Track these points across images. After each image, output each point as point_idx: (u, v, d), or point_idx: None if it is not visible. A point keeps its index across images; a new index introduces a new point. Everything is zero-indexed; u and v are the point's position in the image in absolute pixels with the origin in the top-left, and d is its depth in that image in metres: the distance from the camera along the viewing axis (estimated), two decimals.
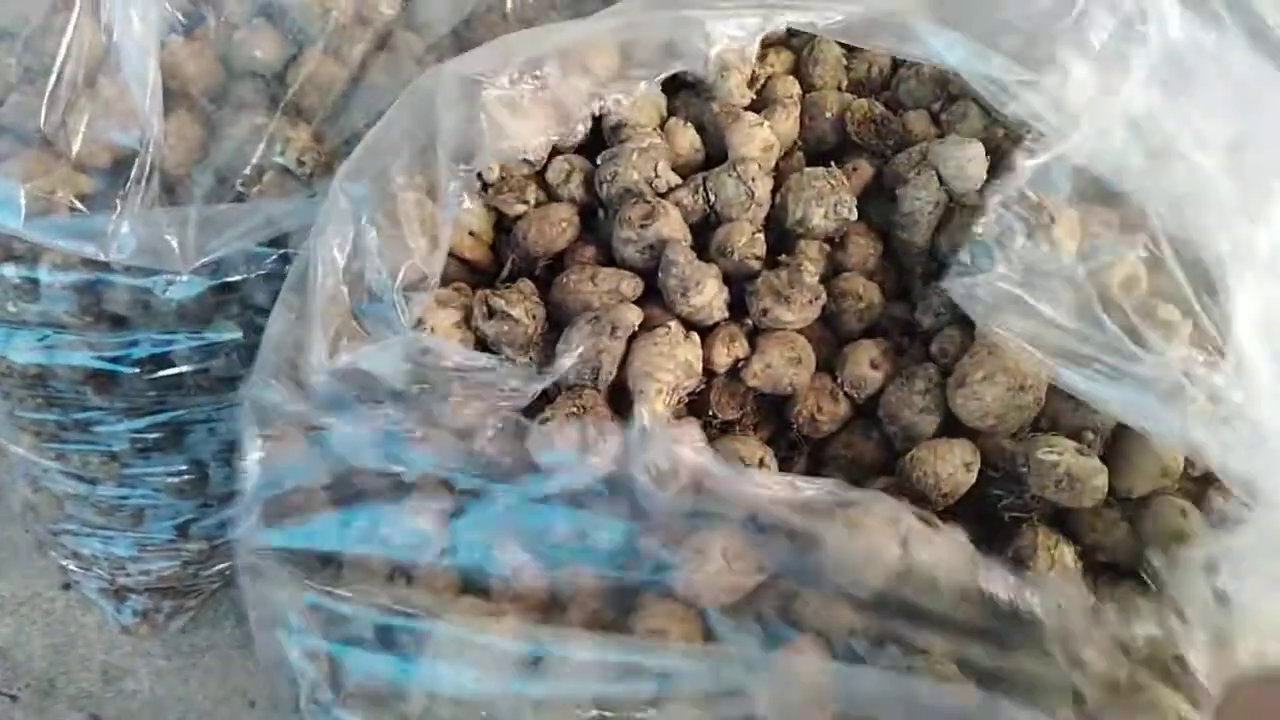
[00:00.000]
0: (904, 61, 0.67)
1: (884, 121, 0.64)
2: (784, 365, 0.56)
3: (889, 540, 0.48)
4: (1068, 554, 0.51)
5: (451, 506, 0.54)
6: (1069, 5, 0.56)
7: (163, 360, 0.79)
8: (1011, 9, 0.57)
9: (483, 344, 0.57)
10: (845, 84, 0.68)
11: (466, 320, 0.56)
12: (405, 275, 0.55)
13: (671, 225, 0.58)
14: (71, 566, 1.06)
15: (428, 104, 0.59)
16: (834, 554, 0.49)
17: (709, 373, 0.57)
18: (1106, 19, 0.54)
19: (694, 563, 0.50)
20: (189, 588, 1.07)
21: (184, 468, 0.90)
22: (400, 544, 0.54)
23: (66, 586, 1.15)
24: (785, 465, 0.57)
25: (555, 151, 0.63)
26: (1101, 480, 0.51)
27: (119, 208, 0.69)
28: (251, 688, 1.09)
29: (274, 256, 0.74)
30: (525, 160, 0.61)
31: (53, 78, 0.70)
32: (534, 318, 0.57)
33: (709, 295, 0.57)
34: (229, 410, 0.85)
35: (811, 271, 0.57)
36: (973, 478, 0.50)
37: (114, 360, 0.78)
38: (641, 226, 0.57)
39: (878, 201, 0.63)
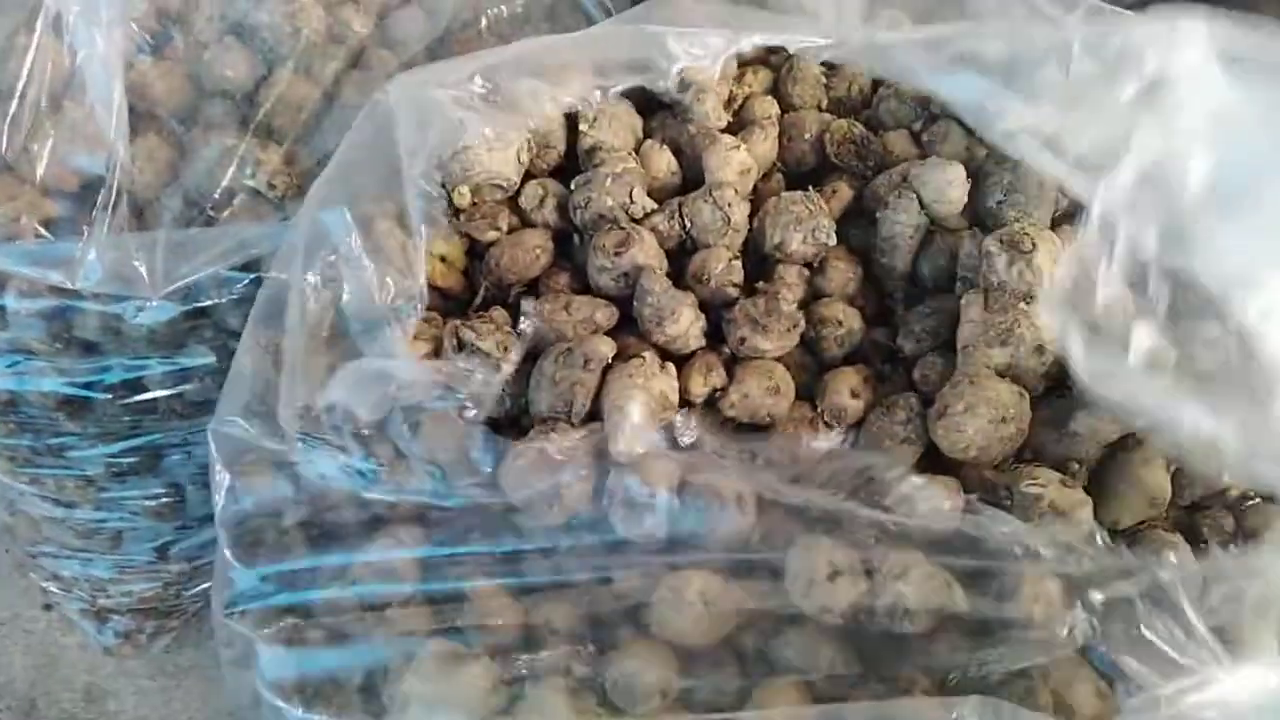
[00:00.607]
0: (884, 80, 0.66)
1: (864, 142, 0.63)
2: (762, 395, 0.54)
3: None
4: (1053, 589, 0.50)
5: (424, 541, 0.53)
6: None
7: (136, 385, 0.77)
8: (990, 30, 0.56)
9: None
10: (825, 103, 0.67)
11: (437, 352, 0.55)
12: (392, 300, 0.54)
13: (646, 252, 0.57)
14: (52, 588, 1.05)
15: (389, 122, 0.58)
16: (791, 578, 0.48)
17: (686, 403, 0.56)
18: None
19: (672, 605, 0.49)
20: (171, 608, 1.06)
21: (161, 491, 0.88)
22: (371, 581, 0.53)
23: (48, 607, 1.14)
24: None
25: (528, 175, 0.61)
26: (1086, 513, 0.50)
27: (86, 233, 0.68)
28: (234, 705, 1.08)
29: (246, 281, 0.73)
30: (497, 185, 0.60)
31: (14, 101, 0.68)
32: (505, 349, 0.55)
33: (685, 324, 0.55)
34: (205, 434, 0.83)
35: (789, 300, 0.56)
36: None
37: (86, 386, 0.77)
38: (616, 254, 0.56)
39: (858, 224, 0.62)
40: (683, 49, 0.61)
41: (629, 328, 0.57)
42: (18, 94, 0.68)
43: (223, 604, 0.55)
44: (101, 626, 1.07)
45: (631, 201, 0.59)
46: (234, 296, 0.74)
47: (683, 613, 0.49)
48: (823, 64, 0.68)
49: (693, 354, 0.57)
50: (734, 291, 0.57)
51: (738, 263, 0.57)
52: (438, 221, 0.58)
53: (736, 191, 0.58)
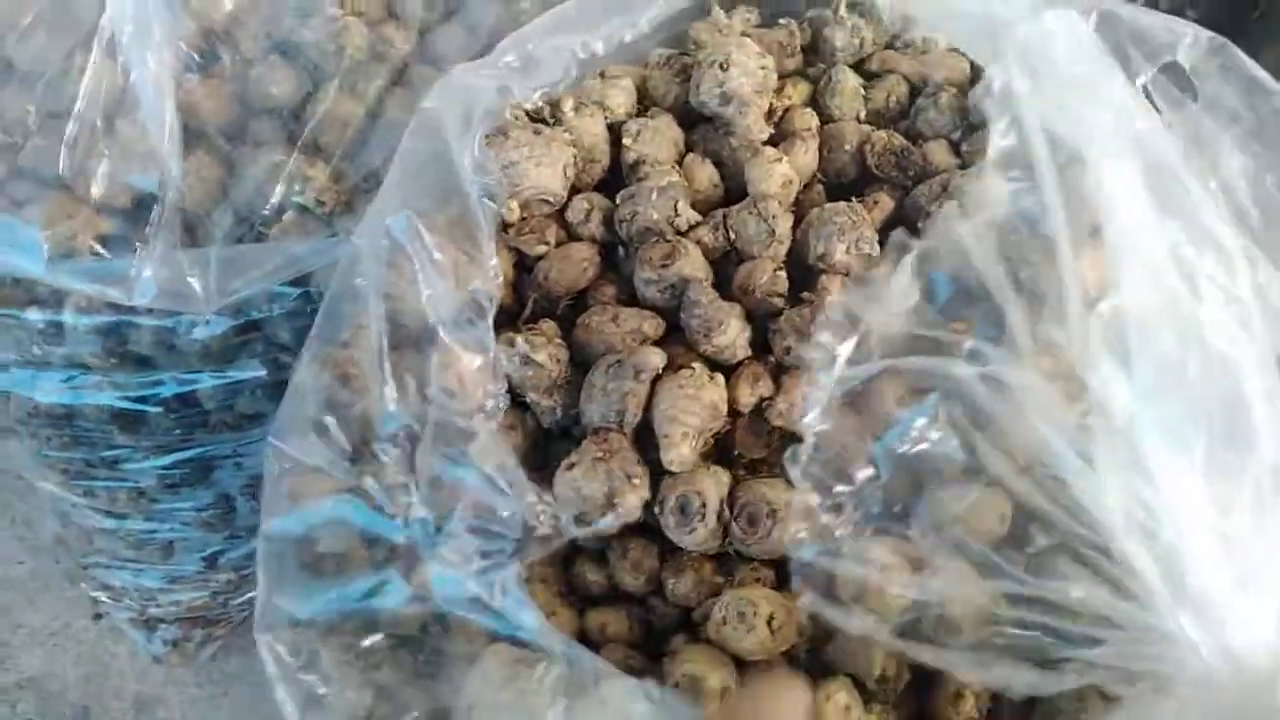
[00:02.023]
0: (922, 90, 0.67)
1: (904, 153, 0.63)
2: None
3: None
4: None
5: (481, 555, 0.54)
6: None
7: (188, 399, 0.79)
8: None
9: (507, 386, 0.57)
10: (863, 114, 0.67)
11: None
12: (470, 295, 0.55)
13: (693, 264, 0.58)
14: (102, 598, 1.07)
15: (438, 127, 0.59)
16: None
17: (734, 412, 0.56)
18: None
19: (736, 626, 0.50)
20: (219, 617, 1.07)
21: (211, 501, 0.90)
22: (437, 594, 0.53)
23: (98, 616, 1.16)
24: None
25: (573, 189, 0.62)
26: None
27: (140, 250, 0.69)
28: (281, 714, 1.10)
29: (296, 295, 0.74)
30: (544, 200, 0.61)
31: (71, 122, 0.70)
32: (558, 361, 0.57)
33: (732, 335, 0.56)
34: (255, 445, 0.85)
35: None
36: (1004, 530, 0.50)
37: (139, 400, 0.78)
38: (663, 267, 0.57)
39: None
40: None
41: (677, 337, 0.58)
42: (74, 115, 0.69)
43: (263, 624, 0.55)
44: (150, 635, 1.09)
45: (676, 214, 0.60)
46: (284, 310, 0.75)
47: (748, 636, 0.50)
48: (860, 74, 0.69)
49: (740, 364, 0.58)
50: (779, 302, 0.58)
51: (782, 274, 0.58)
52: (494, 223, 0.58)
53: (780, 204, 0.59)
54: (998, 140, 0.52)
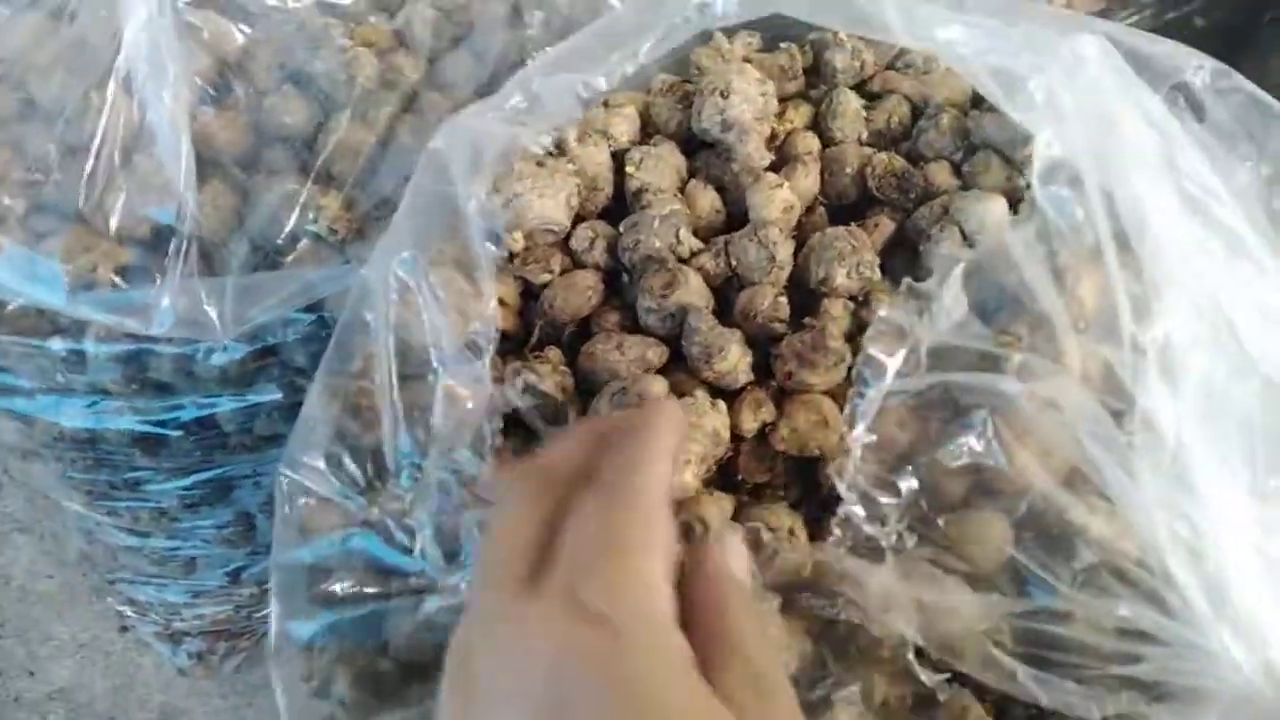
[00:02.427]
0: (923, 112, 0.67)
1: (905, 175, 0.64)
2: (810, 429, 0.56)
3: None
4: None
5: None
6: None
7: (207, 422, 0.81)
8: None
9: (513, 416, 0.58)
10: (865, 135, 0.68)
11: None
12: (469, 334, 0.56)
13: (692, 292, 0.59)
14: (128, 611, 1.09)
15: (445, 167, 0.60)
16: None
17: (737, 438, 0.57)
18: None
19: None
20: (242, 630, 1.09)
21: (231, 519, 0.92)
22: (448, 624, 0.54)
23: (124, 629, 1.18)
24: (816, 526, 0.58)
25: (578, 217, 0.64)
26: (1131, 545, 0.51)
27: (159, 280, 0.71)
28: None
29: (310, 320, 0.76)
30: (549, 229, 0.62)
31: (91, 157, 0.72)
32: (564, 390, 0.58)
33: (733, 361, 0.57)
34: (273, 465, 0.86)
35: (835, 335, 0.57)
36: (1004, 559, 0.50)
37: (160, 424, 0.80)
38: (662, 296, 0.58)
39: (900, 256, 0.63)
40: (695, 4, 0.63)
41: (679, 365, 0.59)
42: (93, 151, 0.71)
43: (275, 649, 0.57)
44: (175, 648, 1.11)
45: (679, 242, 0.61)
46: (299, 336, 0.77)
47: None
48: (861, 96, 0.70)
49: (742, 389, 0.59)
50: (780, 327, 0.59)
51: (784, 300, 0.59)
52: (494, 265, 0.60)
53: (781, 231, 0.60)
54: (1043, 151, 0.52)
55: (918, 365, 0.49)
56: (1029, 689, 0.47)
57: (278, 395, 0.80)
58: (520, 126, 0.62)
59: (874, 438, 0.50)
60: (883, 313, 0.50)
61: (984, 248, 0.53)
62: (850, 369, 0.58)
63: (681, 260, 0.61)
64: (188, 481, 0.86)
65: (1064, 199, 0.52)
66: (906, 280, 0.50)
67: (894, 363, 0.49)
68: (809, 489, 0.59)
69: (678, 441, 0.44)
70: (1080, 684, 0.47)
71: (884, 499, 0.50)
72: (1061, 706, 0.47)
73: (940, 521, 0.51)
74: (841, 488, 0.49)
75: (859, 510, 0.49)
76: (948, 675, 0.51)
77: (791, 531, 0.54)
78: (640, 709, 0.32)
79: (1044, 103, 0.53)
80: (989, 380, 0.49)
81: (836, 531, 0.50)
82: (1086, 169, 0.50)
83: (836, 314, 0.61)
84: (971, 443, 0.50)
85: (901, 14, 0.59)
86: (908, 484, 0.50)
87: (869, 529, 0.49)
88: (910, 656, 0.50)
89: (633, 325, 0.62)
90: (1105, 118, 0.51)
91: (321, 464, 0.55)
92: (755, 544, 0.54)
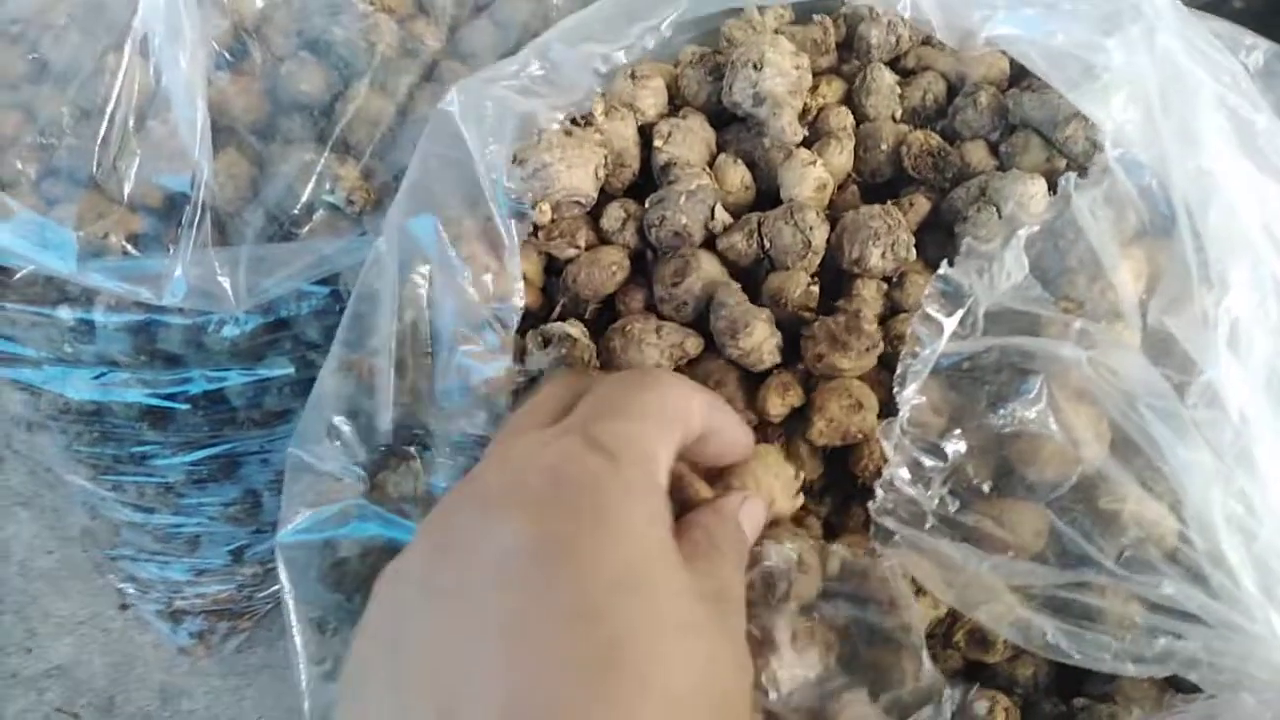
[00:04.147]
0: (960, 89, 0.66)
1: (941, 154, 0.62)
2: (845, 415, 0.54)
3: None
4: None
5: None
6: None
7: (216, 396, 0.79)
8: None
9: (535, 382, 0.56)
10: (899, 113, 0.66)
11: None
12: (492, 302, 0.55)
13: (704, 279, 0.57)
14: (129, 589, 1.08)
15: (458, 130, 0.58)
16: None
17: (764, 422, 0.56)
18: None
19: None
20: (244, 609, 1.08)
21: (238, 497, 0.91)
22: None
23: (124, 606, 1.17)
24: (844, 510, 0.57)
25: (603, 193, 0.62)
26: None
27: (171, 250, 0.69)
28: (303, 708, 1.10)
29: (325, 294, 0.74)
30: (576, 201, 0.60)
31: (104, 121, 0.70)
32: (589, 348, 0.56)
33: (759, 338, 0.55)
34: (281, 442, 0.85)
35: (870, 319, 0.56)
36: (1043, 543, 0.49)
37: (168, 397, 0.79)
38: (673, 285, 0.57)
39: (935, 236, 0.62)
40: None
41: (709, 355, 0.58)
42: (107, 115, 0.69)
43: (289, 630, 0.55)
44: (176, 627, 1.10)
45: (712, 218, 0.59)
46: (312, 309, 0.75)
47: None
48: (895, 72, 0.68)
49: (768, 372, 0.57)
50: (809, 315, 0.57)
51: (815, 288, 0.57)
52: (519, 238, 0.58)
53: (817, 214, 0.58)
54: (1117, 115, 0.50)
55: (974, 327, 0.48)
56: (1060, 645, 0.46)
57: (289, 370, 0.78)
58: (537, 99, 0.61)
59: (924, 399, 0.49)
60: (942, 270, 0.49)
61: (1049, 212, 0.51)
62: (881, 355, 0.57)
63: (712, 237, 0.60)
64: (195, 457, 0.85)
65: (1136, 164, 0.50)
66: (968, 240, 0.49)
67: (950, 323, 0.48)
68: (837, 478, 0.58)
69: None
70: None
71: (929, 462, 0.49)
72: (1092, 663, 0.46)
73: (985, 488, 0.49)
74: (888, 448, 0.48)
75: (904, 473, 0.48)
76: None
77: (801, 560, 0.52)
78: (615, 527, 0.35)
79: (1120, 65, 0.51)
80: (1049, 345, 0.47)
81: (880, 493, 0.48)
82: (1157, 136, 0.49)
83: (869, 296, 0.59)
84: (1022, 409, 0.48)
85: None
86: (954, 448, 0.49)
87: (912, 492, 0.48)
88: (925, 655, 0.48)
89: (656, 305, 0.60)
90: (1178, 82, 0.49)
91: (332, 439, 0.53)
92: (767, 582, 0.52)
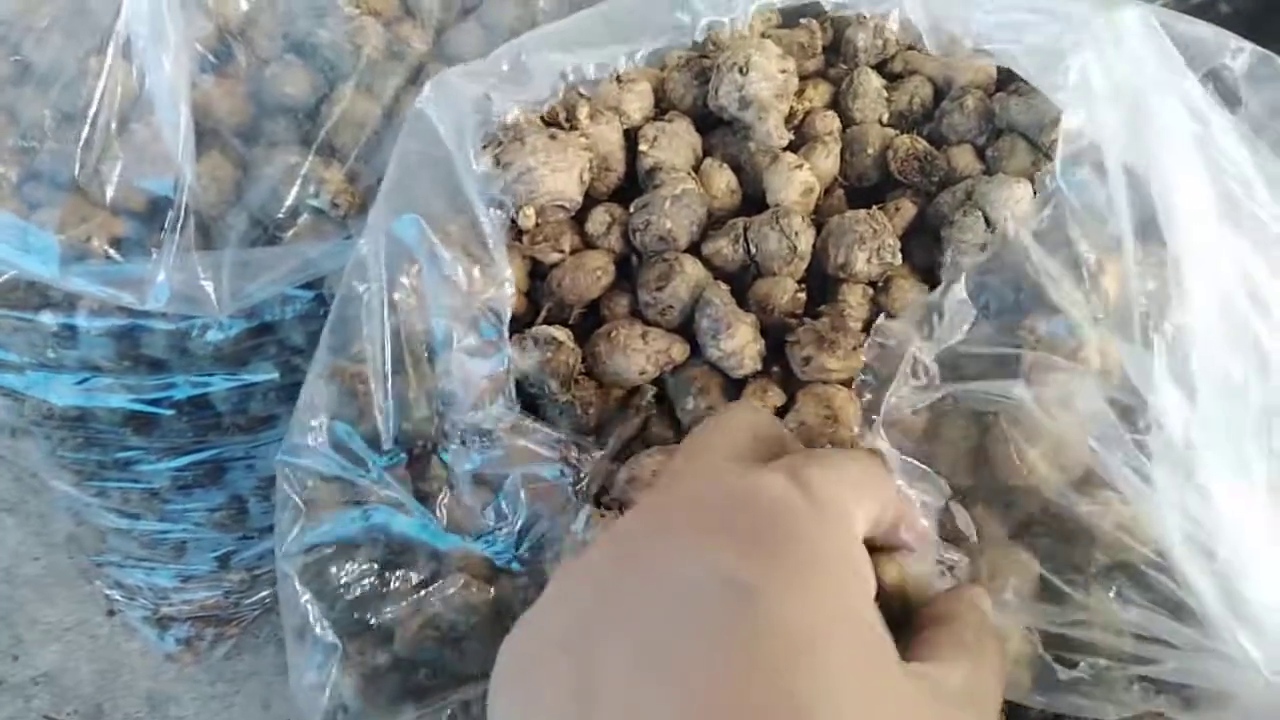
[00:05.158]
0: (946, 94, 0.65)
1: (928, 158, 0.62)
2: (819, 424, 0.54)
3: None
4: None
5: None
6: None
7: (200, 401, 0.79)
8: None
9: (519, 388, 0.56)
10: (886, 117, 0.66)
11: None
12: (483, 299, 0.55)
13: (689, 284, 0.57)
14: (115, 595, 1.07)
15: (433, 129, 0.58)
16: None
17: None
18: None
19: None
20: (231, 616, 1.08)
21: (223, 502, 0.90)
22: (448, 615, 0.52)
23: (111, 613, 1.16)
24: None
25: (593, 199, 0.62)
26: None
27: (155, 254, 0.69)
28: (290, 714, 1.10)
29: (309, 298, 0.74)
30: (560, 206, 0.60)
31: (87, 124, 0.70)
32: (574, 351, 0.56)
33: (741, 341, 0.55)
34: (267, 448, 0.85)
35: (856, 318, 0.56)
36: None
37: (152, 403, 0.78)
38: (657, 289, 0.57)
39: (921, 241, 0.61)
40: (706, 3, 0.62)
41: (694, 362, 0.57)
42: (90, 118, 0.69)
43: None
44: (163, 633, 1.09)
45: (695, 225, 0.59)
46: (297, 313, 0.75)
47: None
48: (882, 76, 0.68)
49: (747, 379, 0.57)
50: (796, 321, 0.57)
51: (801, 295, 0.57)
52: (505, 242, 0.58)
53: (802, 219, 0.58)
54: (1069, 132, 0.50)
55: (927, 375, 0.47)
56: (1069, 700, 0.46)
57: (274, 375, 0.78)
58: (497, 92, 0.60)
59: (887, 445, 0.48)
60: (880, 322, 0.49)
61: (998, 239, 0.51)
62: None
63: (694, 244, 0.59)
64: (179, 462, 0.84)
65: (1086, 184, 0.50)
66: (911, 295, 0.49)
67: (900, 376, 0.47)
68: None
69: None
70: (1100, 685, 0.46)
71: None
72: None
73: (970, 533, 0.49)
74: None
75: None
76: None
77: None
78: (806, 566, 0.32)
79: (1076, 82, 0.51)
80: (998, 387, 0.47)
81: None
82: (1114, 152, 0.48)
83: (855, 301, 0.59)
84: (987, 449, 0.48)
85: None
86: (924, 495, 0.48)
87: None
88: None
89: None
90: (1140, 99, 0.49)
91: (326, 446, 0.53)
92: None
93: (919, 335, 0.48)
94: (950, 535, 0.48)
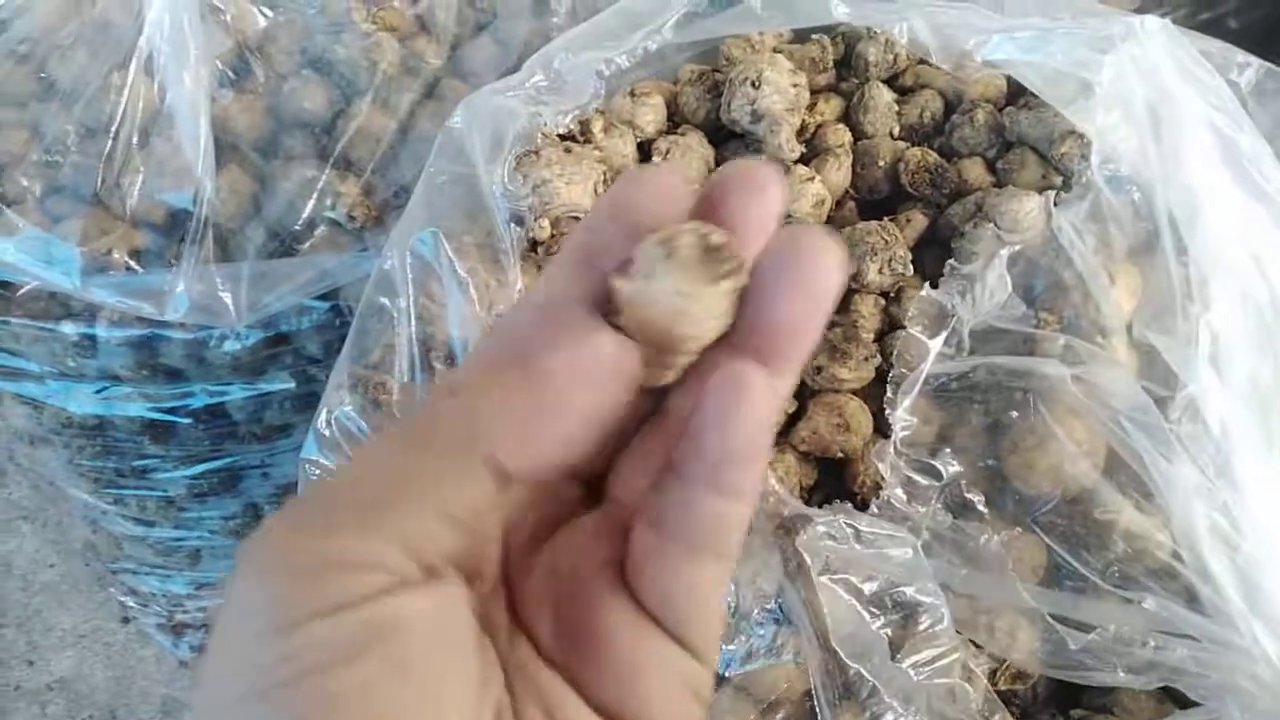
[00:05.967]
0: (957, 107, 0.66)
1: (939, 170, 0.63)
2: (831, 432, 0.55)
3: None
4: None
5: None
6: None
7: (217, 410, 0.80)
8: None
9: None
10: (896, 130, 0.67)
11: None
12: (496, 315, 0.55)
13: None
14: (130, 602, 1.08)
15: (464, 146, 0.59)
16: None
17: None
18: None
19: None
20: None
21: (239, 510, 0.91)
22: None
23: (126, 620, 1.17)
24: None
25: None
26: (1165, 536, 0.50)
27: (174, 266, 0.70)
28: None
29: (326, 309, 0.75)
30: (575, 217, 0.61)
31: (109, 139, 0.71)
32: None
33: None
34: (282, 456, 0.85)
35: (868, 329, 0.56)
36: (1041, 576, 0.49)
37: (170, 411, 0.79)
38: None
39: (932, 252, 0.62)
40: None
41: None
42: (112, 132, 0.70)
43: None
44: (178, 640, 1.10)
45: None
46: (313, 324, 0.76)
47: None
48: (893, 90, 0.68)
49: None
50: None
51: None
52: (520, 251, 0.59)
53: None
54: (1105, 132, 0.50)
55: (961, 347, 0.48)
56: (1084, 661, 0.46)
57: (290, 384, 0.79)
58: (542, 105, 0.61)
59: (914, 419, 0.49)
60: (924, 292, 0.49)
61: (1032, 231, 0.52)
62: (879, 367, 0.58)
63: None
64: (196, 470, 0.85)
65: (1119, 180, 0.51)
66: (950, 262, 0.49)
67: (935, 344, 0.48)
68: (838, 490, 0.58)
69: None
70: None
71: (924, 480, 0.49)
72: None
73: (979, 503, 0.50)
74: (883, 469, 0.48)
75: (900, 493, 0.48)
76: None
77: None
78: None
79: (1109, 83, 0.52)
80: (1035, 363, 0.47)
81: (875, 513, 0.48)
82: (1144, 153, 0.49)
83: (867, 311, 0.59)
84: (1014, 426, 0.49)
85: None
86: (947, 465, 0.49)
87: (908, 510, 0.48)
88: None
89: None
90: (1167, 101, 0.50)
91: (342, 454, 0.53)
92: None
93: (960, 303, 0.49)
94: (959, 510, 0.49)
